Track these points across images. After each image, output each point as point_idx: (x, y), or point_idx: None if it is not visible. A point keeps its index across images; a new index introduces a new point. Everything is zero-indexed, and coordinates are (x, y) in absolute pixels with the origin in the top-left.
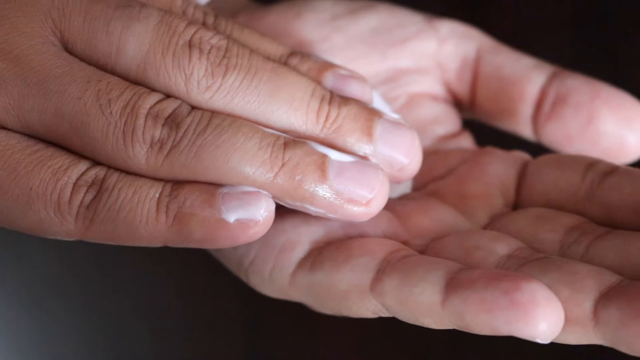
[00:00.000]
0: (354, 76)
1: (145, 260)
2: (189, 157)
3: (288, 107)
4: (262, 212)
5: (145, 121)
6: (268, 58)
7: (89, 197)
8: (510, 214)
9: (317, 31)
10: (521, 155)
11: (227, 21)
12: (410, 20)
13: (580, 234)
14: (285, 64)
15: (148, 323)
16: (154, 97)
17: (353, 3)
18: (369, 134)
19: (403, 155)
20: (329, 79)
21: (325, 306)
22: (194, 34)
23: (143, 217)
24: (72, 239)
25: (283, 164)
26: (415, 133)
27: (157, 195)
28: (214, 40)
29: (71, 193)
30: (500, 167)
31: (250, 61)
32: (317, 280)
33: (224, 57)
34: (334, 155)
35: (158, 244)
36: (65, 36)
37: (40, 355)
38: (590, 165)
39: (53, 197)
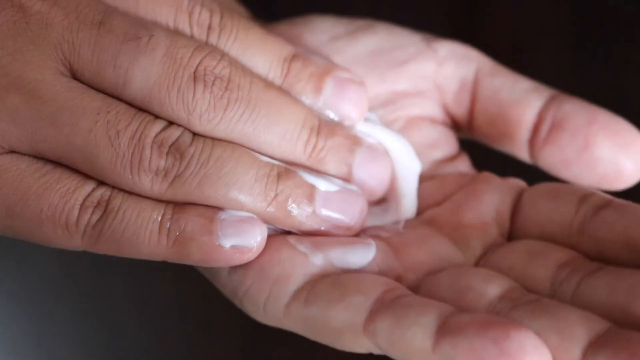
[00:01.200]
0: (353, 79)
1: (144, 263)
2: (192, 186)
3: (281, 139)
4: (256, 239)
5: (151, 151)
6: (268, 83)
7: (95, 217)
8: (503, 247)
9: (316, 53)
10: (517, 183)
11: (232, 21)
12: (409, 41)
13: (571, 270)
14: (289, 67)
15: (146, 326)
16: (159, 125)
17: (352, 23)
18: (347, 164)
19: (376, 183)
20: (328, 86)
21: (318, 339)
22: (199, 64)
23: (146, 238)
24: (78, 250)
25: (276, 195)
26: (389, 162)
27: (160, 218)
28: (218, 70)
29: (78, 214)
30: (496, 196)
31: (250, 94)
32: (311, 315)
33: (226, 89)
34: (321, 185)
35: (158, 260)
36: (75, 67)
37: (38, 357)
38: (584, 197)
39: (61, 218)
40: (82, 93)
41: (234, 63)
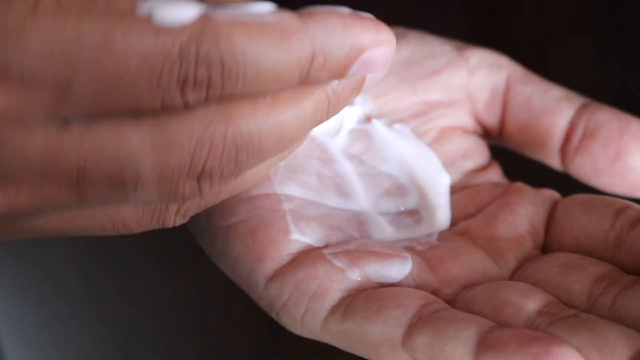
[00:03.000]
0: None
1: (157, 265)
2: None
3: None
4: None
5: None
6: None
7: None
8: (538, 260)
9: None
10: (550, 194)
11: (238, 63)
12: (440, 50)
13: (608, 284)
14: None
15: (157, 328)
16: None
17: None
18: None
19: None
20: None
21: (357, 353)
22: None
23: None
24: None
25: None
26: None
27: None
28: None
29: None
30: (530, 208)
31: None
32: (348, 329)
33: None
34: None
35: None
36: None
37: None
38: (619, 210)
39: None
40: None
41: None
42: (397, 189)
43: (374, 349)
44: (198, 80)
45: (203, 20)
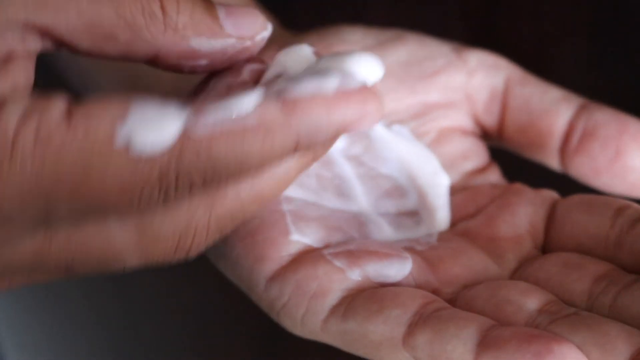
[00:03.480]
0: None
1: (155, 266)
2: None
3: None
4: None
5: None
6: None
7: None
8: (539, 260)
9: None
10: (550, 195)
11: (220, 173)
12: (439, 51)
13: (608, 283)
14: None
15: (155, 330)
16: None
17: (383, 34)
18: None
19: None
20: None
21: (357, 353)
22: None
23: None
24: None
25: None
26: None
27: None
28: None
29: None
30: (530, 208)
31: None
32: (349, 329)
33: None
34: None
35: None
36: None
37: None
38: (619, 210)
39: None
40: None
41: None
42: (397, 190)
43: (375, 349)
44: (179, 190)
45: (182, 140)
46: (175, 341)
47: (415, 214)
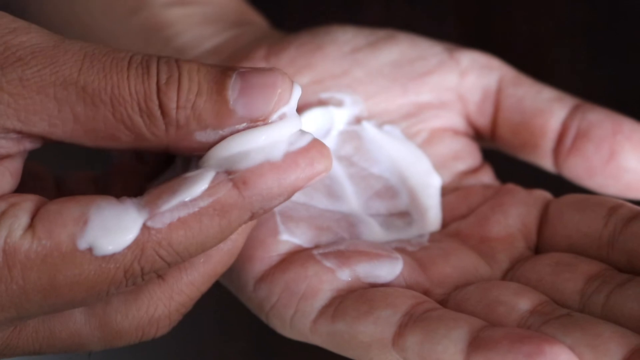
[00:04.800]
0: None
1: None
2: None
3: None
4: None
5: None
6: None
7: None
8: (531, 260)
9: (338, 65)
10: (542, 195)
11: (182, 257)
12: (431, 52)
13: (601, 282)
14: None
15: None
16: None
17: (374, 34)
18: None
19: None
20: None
21: (346, 354)
22: None
23: None
24: None
25: None
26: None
27: None
28: None
29: None
30: (522, 208)
31: None
32: (338, 330)
33: None
34: None
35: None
36: None
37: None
38: (612, 209)
39: None
40: None
41: None
42: (388, 191)
43: (364, 350)
44: (146, 277)
45: (143, 236)
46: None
47: (406, 215)
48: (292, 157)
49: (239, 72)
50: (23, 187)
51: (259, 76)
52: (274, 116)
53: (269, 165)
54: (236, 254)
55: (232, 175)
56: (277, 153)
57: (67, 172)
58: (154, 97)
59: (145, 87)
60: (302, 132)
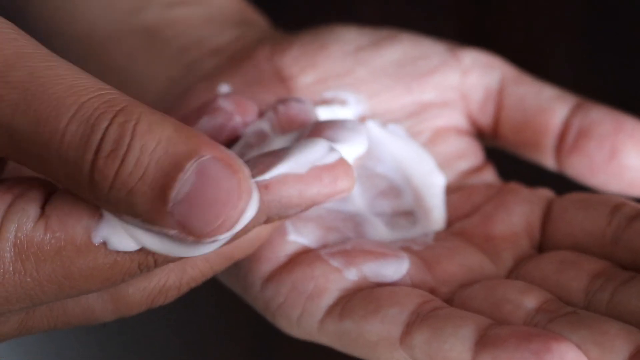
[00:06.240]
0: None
1: None
2: None
3: None
4: None
5: None
6: None
7: None
8: (535, 259)
9: (341, 64)
10: (546, 193)
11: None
12: (433, 51)
13: (605, 280)
14: None
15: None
16: None
17: (377, 33)
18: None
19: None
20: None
21: (353, 353)
22: None
23: None
24: None
25: None
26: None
27: None
28: None
29: None
30: (526, 206)
31: None
32: (345, 329)
33: None
34: None
35: None
36: None
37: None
38: (616, 207)
39: None
40: None
41: None
42: (392, 190)
43: (372, 349)
44: (159, 265)
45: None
46: (168, 344)
47: (411, 214)
48: (317, 171)
49: (199, 163)
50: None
51: (216, 183)
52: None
53: (293, 176)
54: (256, 246)
55: (255, 179)
56: (304, 162)
57: None
58: (86, 169)
59: (78, 156)
60: (331, 149)
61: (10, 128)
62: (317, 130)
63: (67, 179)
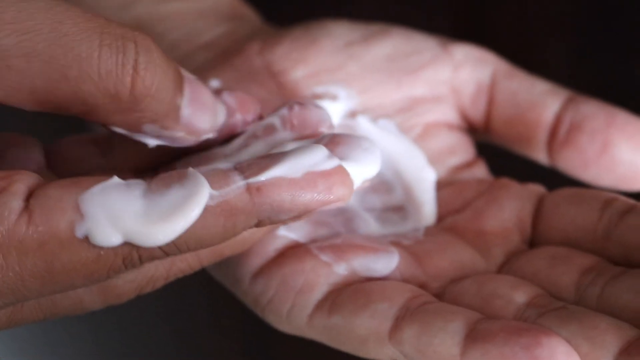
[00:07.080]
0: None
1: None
2: None
3: None
4: None
5: None
6: None
7: None
8: (526, 254)
9: (332, 59)
10: (537, 189)
11: (183, 250)
12: (425, 45)
13: (596, 275)
14: None
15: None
16: None
17: (368, 28)
18: None
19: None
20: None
21: (343, 348)
22: None
23: None
24: None
25: None
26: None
27: None
28: None
29: None
30: (517, 202)
31: None
32: (335, 324)
33: None
34: None
35: None
36: None
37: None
38: (607, 202)
39: None
40: None
41: None
42: (383, 185)
43: (361, 344)
44: (144, 262)
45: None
46: (162, 340)
47: (401, 209)
48: (312, 177)
49: (187, 79)
50: (7, 158)
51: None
52: (203, 137)
53: (286, 179)
54: (247, 246)
55: (248, 180)
56: (299, 167)
57: (58, 139)
58: (127, 80)
59: (119, 70)
60: (330, 156)
61: (44, 57)
62: (333, 143)
63: (103, 94)
